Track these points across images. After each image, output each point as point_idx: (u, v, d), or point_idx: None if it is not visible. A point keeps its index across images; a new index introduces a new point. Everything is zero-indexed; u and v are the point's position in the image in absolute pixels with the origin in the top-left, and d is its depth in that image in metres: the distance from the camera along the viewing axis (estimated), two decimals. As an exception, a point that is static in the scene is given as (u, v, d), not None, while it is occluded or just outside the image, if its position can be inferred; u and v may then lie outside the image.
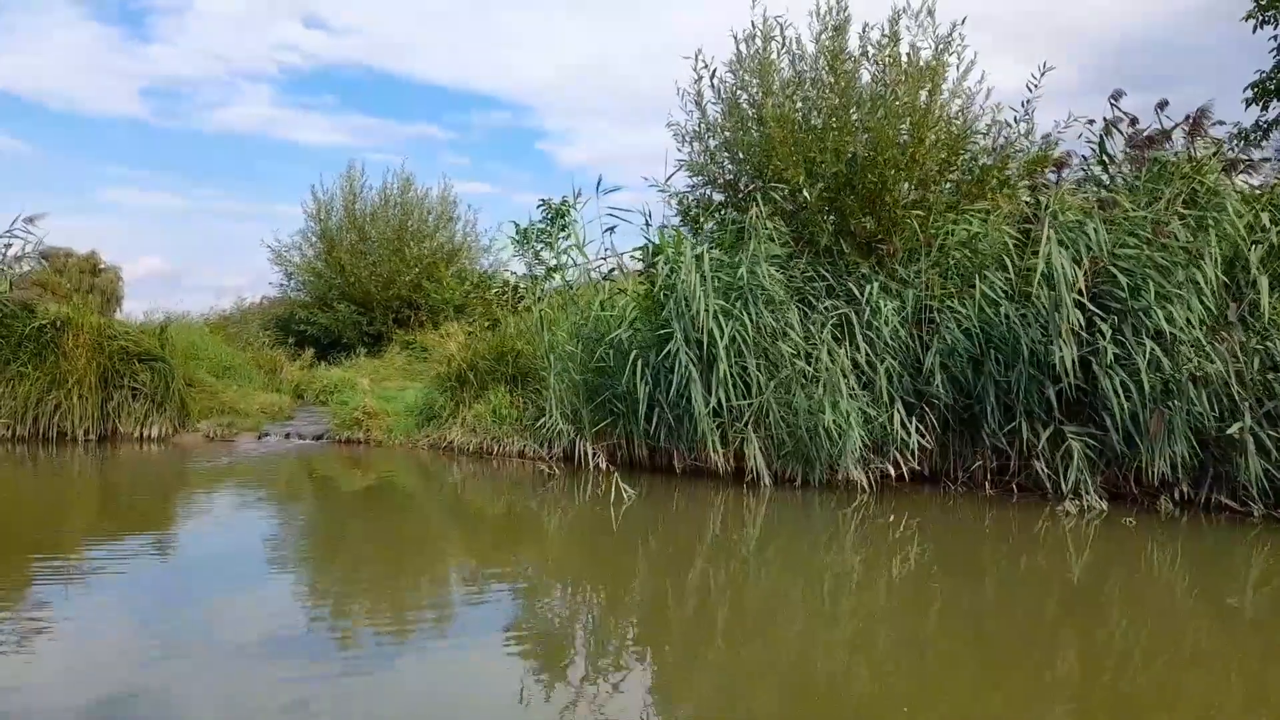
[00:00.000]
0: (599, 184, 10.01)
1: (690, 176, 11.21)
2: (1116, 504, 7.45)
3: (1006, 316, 7.82)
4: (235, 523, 7.42)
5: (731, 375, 8.38)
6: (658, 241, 9.90)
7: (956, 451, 8.41)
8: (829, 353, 8.10)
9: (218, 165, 43.53)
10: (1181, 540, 6.79)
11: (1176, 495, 7.40)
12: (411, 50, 45.13)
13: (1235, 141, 13.95)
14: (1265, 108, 14.66)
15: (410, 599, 5.23)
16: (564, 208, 14.18)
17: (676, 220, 11.40)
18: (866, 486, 8.03)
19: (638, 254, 11.14)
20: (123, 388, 11.86)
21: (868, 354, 8.23)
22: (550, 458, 9.77)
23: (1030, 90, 9.31)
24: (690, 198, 11.44)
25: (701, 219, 10.95)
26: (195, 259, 42.04)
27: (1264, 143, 14.24)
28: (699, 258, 8.55)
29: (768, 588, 5.67)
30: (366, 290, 21.52)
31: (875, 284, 8.58)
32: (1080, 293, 7.34)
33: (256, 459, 10.88)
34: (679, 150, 11.16)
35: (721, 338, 8.33)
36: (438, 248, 22.53)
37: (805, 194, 9.36)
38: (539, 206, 14.24)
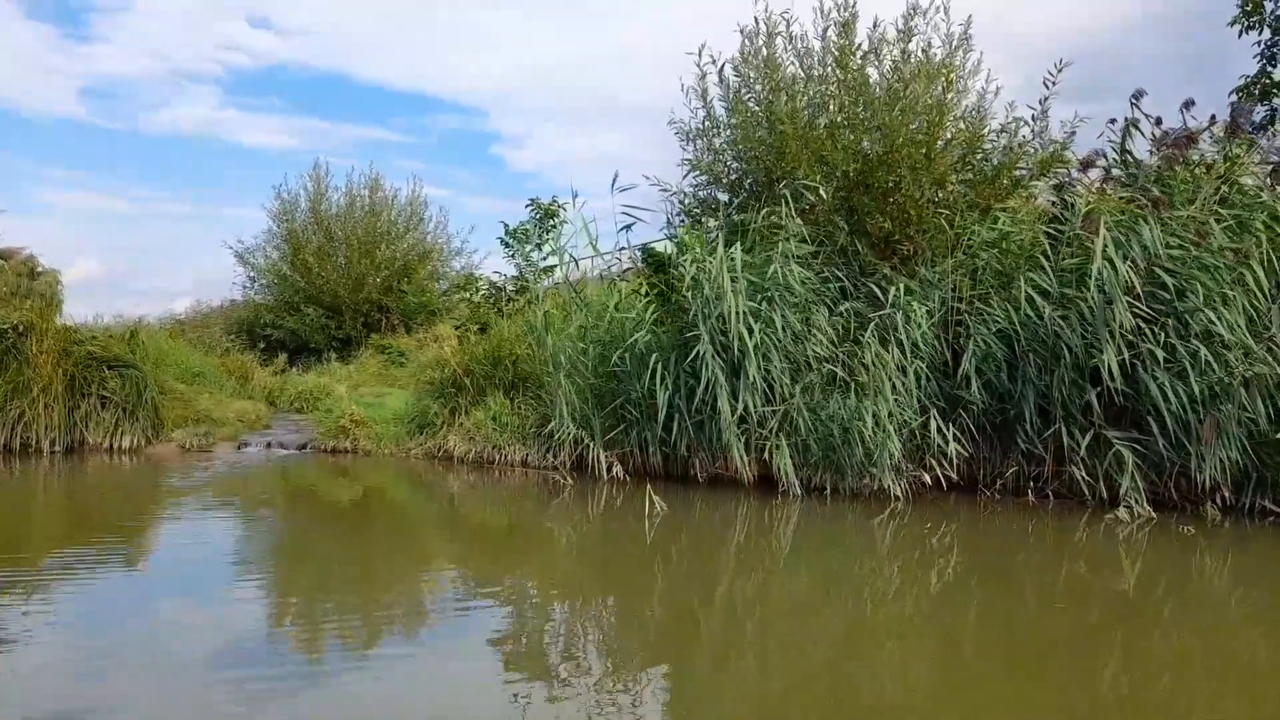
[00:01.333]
0: (614, 181, 9.61)
1: (696, 175, 10.91)
2: (1159, 511, 7.24)
3: (1046, 318, 7.58)
4: (224, 545, 6.86)
5: (760, 380, 8.04)
6: (670, 241, 9.53)
7: (986, 458, 8.16)
8: (875, 356, 7.79)
9: (160, 167, 42.17)
10: (1236, 548, 6.61)
11: (1218, 500, 7.22)
12: (361, 52, 44.21)
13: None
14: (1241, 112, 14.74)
15: (442, 625, 4.77)
16: (553, 208, 13.79)
17: (679, 220, 11.13)
18: (900, 495, 7.74)
19: (639, 253, 10.79)
20: (90, 395, 11.13)
21: (898, 357, 7.93)
22: (559, 468, 9.32)
23: (1047, 87, 9.13)
24: (692, 198, 11.14)
25: (703, 219, 10.62)
26: (135, 263, 40.67)
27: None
28: (729, 257, 8.18)
29: (834, 605, 5.30)
30: (335, 293, 20.81)
31: (900, 285, 8.29)
32: (1134, 295, 7.12)
33: (238, 471, 10.26)
34: (683, 149, 10.84)
35: (751, 339, 7.98)
36: (408, 249, 21.89)
37: (821, 193, 9.06)
38: (528, 206, 13.80)
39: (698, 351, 8.10)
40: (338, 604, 5.06)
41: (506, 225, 13.54)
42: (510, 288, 13.76)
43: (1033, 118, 9.20)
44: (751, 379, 8.03)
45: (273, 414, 13.92)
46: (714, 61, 10.10)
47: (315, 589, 5.41)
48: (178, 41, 43.03)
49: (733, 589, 5.65)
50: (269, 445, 11.61)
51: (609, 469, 8.99)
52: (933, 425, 7.71)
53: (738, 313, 8.01)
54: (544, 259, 13.81)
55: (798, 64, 10.10)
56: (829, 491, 8.01)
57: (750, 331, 8.03)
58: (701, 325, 8.25)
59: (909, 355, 8.07)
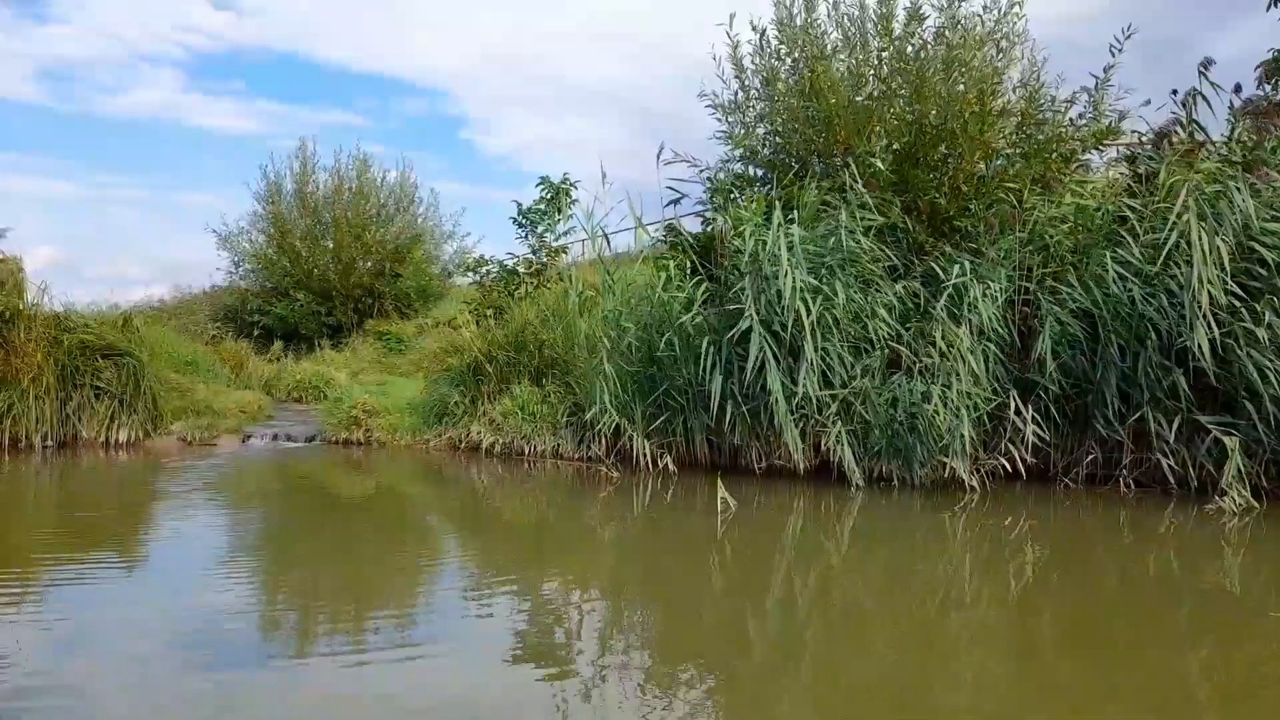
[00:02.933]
0: (660, 152, 9.05)
1: (731, 150, 10.37)
2: (1255, 500, 6.84)
3: (1131, 297, 7.14)
4: (249, 550, 6.27)
5: (820, 361, 7.54)
6: (717, 214, 8.99)
7: (1059, 445, 7.72)
8: (945, 335, 7.31)
9: (118, 152, 40.83)
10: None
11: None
12: (323, 33, 43.09)
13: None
14: (1276, 86, 14.43)
15: (539, 637, 4.23)
16: (564, 186, 13.17)
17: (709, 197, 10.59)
18: (975, 485, 7.28)
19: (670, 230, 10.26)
20: (84, 387, 10.40)
21: (967, 339, 7.46)
22: (604, 459, 8.78)
23: (1113, 55, 8.69)
24: (722, 174, 10.60)
25: (739, 194, 10.08)
26: (93, 249, 39.37)
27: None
28: (786, 229, 7.65)
29: (947, 607, 4.81)
30: (326, 278, 20.05)
31: (965, 263, 7.81)
32: (1224, 270, 6.69)
33: (246, 465, 9.64)
34: (719, 122, 10.29)
35: (809, 317, 7.47)
36: (399, 232, 21.15)
37: (877, 164, 8.55)
38: (538, 185, 13.17)
39: (748, 332, 7.57)
40: (391, 617, 4.51)
41: (519, 204, 12.89)
42: (523, 269, 13.15)
43: (1096, 87, 8.75)
44: (810, 360, 7.52)
45: (272, 404, 13.21)
46: (754, 27, 9.56)
47: (361, 598, 4.85)
48: (137, 23, 41.63)
49: (840, 590, 5.16)
50: (275, 437, 10.96)
51: (656, 460, 8.46)
52: (1010, 409, 7.23)
53: (794, 288, 7.48)
54: (557, 239, 13.23)
55: (840, 31, 9.59)
56: (895, 481, 7.54)
57: (809, 308, 7.51)
58: (752, 304, 7.73)
59: (976, 336, 7.60)
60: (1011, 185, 8.26)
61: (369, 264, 20.62)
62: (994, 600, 4.96)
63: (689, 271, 8.70)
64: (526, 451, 9.49)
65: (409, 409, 11.03)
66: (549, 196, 13.16)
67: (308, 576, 5.32)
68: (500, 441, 9.62)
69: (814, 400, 7.62)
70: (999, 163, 9.14)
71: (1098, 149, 9.24)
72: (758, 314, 7.73)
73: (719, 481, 6.65)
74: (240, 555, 5.93)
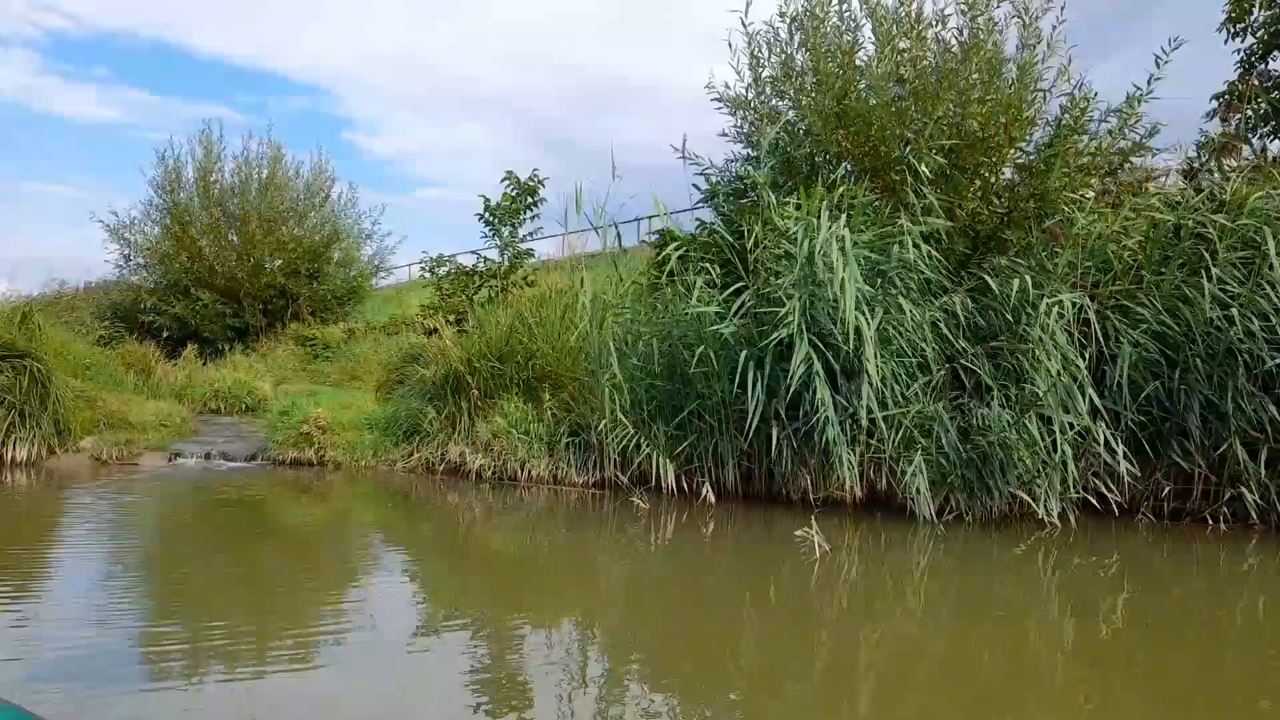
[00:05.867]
0: (684, 144, 8.13)
1: (743, 148, 9.57)
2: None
3: (1214, 320, 6.66)
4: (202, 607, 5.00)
5: (878, 381, 6.78)
6: (741, 212, 8.12)
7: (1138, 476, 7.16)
8: (1050, 353, 6.65)
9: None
10: None
11: None
12: (198, 22, 40.41)
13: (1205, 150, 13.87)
14: (1225, 120, 14.70)
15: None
16: (532, 184, 12.13)
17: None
18: (1055, 521, 6.64)
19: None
20: (-29, 394, 8.68)
21: (1058, 361, 6.81)
22: (632, 486, 7.78)
23: (1158, 66, 8.30)
24: (725, 175, 9.79)
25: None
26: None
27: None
28: (838, 232, 6.85)
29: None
30: (232, 277, 18.19)
31: (1026, 278, 7.20)
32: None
33: (180, 493, 8.14)
34: (731, 118, 9.48)
35: (871, 329, 6.69)
36: (313, 228, 19.46)
37: (922, 169, 7.89)
38: (503, 180, 12.07)
39: (790, 345, 6.76)
40: None
41: (487, 200, 11.75)
42: (484, 270, 11.99)
43: (1138, 99, 8.35)
44: (871, 379, 6.75)
45: (192, 416, 11.55)
46: (783, 14, 8.79)
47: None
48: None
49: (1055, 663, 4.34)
50: (209, 456, 9.44)
51: (683, 486, 7.52)
52: (1099, 439, 6.63)
53: (850, 299, 6.69)
54: (523, 239, 12.15)
55: (871, 27, 8.93)
56: (966, 515, 6.82)
57: (868, 321, 6.74)
58: (798, 316, 6.90)
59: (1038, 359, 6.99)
60: (1072, 197, 7.73)
61: (279, 262, 18.87)
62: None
63: (718, 281, 7.81)
64: (521, 476, 8.37)
65: (368, 425, 9.70)
66: (514, 194, 12.11)
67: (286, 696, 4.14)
68: (491, 465, 8.45)
69: (872, 424, 6.85)
70: (1010, 174, 8.71)
71: (1126, 164, 8.87)
72: (806, 326, 6.91)
73: (813, 522, 5.75)
74: (196, 656, 4.66)
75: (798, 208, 7.27)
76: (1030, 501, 6.70)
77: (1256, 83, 13.87)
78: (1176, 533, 6.77)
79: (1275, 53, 14.36)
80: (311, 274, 18.64)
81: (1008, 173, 8.93)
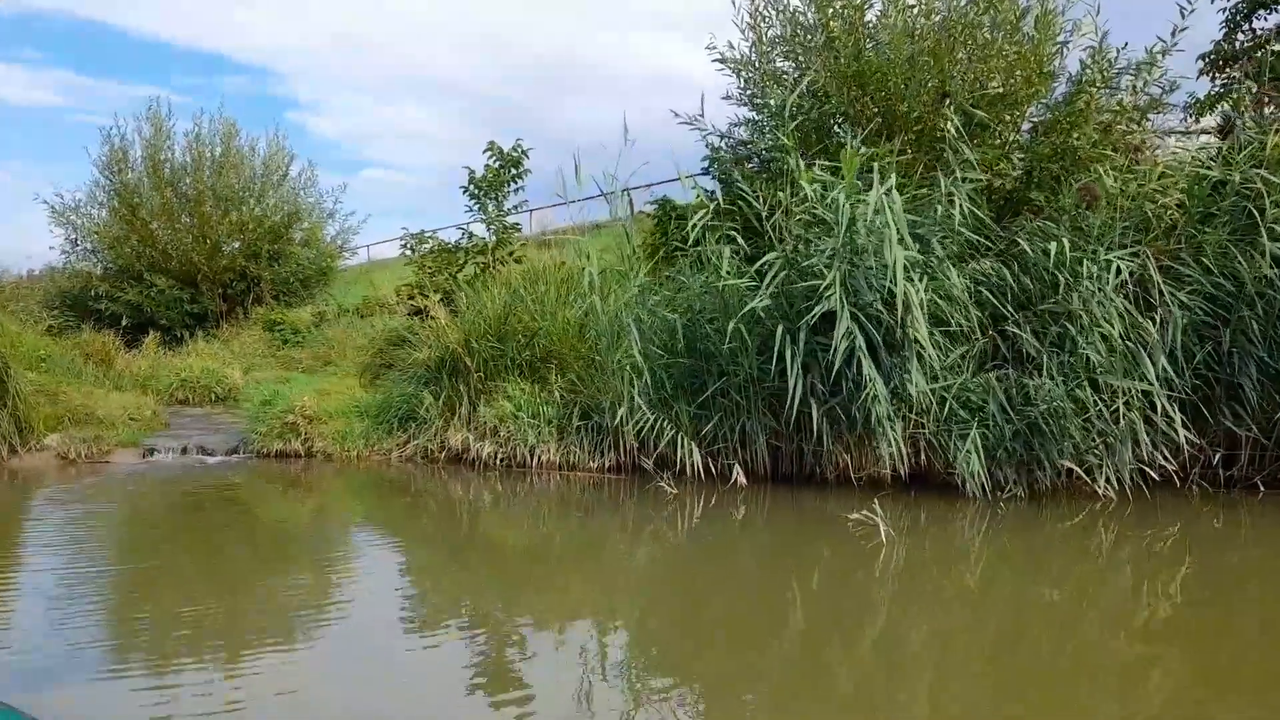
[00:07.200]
0: (701, 102, 7.63)
1: (750, 110, 9.10)
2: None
3: (1273, 278, 6.38)
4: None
5: (927, 352, 6.40)
6: (760, 177, 7.66)
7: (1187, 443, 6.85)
8: (1111, 316, 6.29)
9: None
10: None
11: None
12: (133, 2, 38.67)
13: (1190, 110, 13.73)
14: (1213, 78, 14.58)
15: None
16: (516, 155, 11.54)
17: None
18: (1110, 493, 6.33)
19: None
20: (-79, 390, 7.92)
21: (1119, 326, 6.46)
22: (657, 471, 7.32)
23: (1182, 17, 7.98)
24: (729, 140, 9.33)
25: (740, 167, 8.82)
26: None
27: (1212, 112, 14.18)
28: (886, 194, 6.42)
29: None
30: (189, 260, 17.24)
31: (1064, 241, 6.84)
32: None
33: (164, 492, 7.50)
34: (736, 78, 9.00)
35: (919, 297, 6.30)
36: (272, 208, 18.53)
37: (948, 127, 7.50)
38: (485, 152, 11.44)
39: (828, 317, 6.35)
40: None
41: (472, 172, 11.12)
42: (468, 245, 11.38)
43: (1162, 53, 8.04)
44: (920, 350, 6.37)
45: (161, 408, 10.79)
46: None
47: None
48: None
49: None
50: (185, 450, 8.77)
51: (709, 470, 7.09)
52: (1157, 407, 6.31)
53: (900, 265, 6.27)
54: (507, 213, 11.56)
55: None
56: (1015, 490, 6.47)
57: (916, 289, 6.34)
58: (840, 285, 6.47)
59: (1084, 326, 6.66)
60: (1104, 154, 7.39)
61: (238, 244, 17.95)
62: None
63: (747, 253, 7.35)
64: (530, 462, 7.86)
65: (356, 413, 9.10)
66: (497, 166, 11.50)
67: None
68: (500, 451, 7.93)
69: (914, 398, 6.46)
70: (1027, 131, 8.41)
71: (1145, 120, 8.58)
72: (846, 296, 6.49)
73: (875, 505, 5.35)
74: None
75: (834, 171, 6.80)
76: (1082, 474, 6.39)
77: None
78: (1228, 501, 6.51)
79: (1260, 11, 14.30)
80: (273, 256, 17.76)
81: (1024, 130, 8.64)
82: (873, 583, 4.80)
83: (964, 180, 6.95)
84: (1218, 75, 14.24)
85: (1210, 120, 8.08)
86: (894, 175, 6.60)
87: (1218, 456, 6.73)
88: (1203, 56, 14.69)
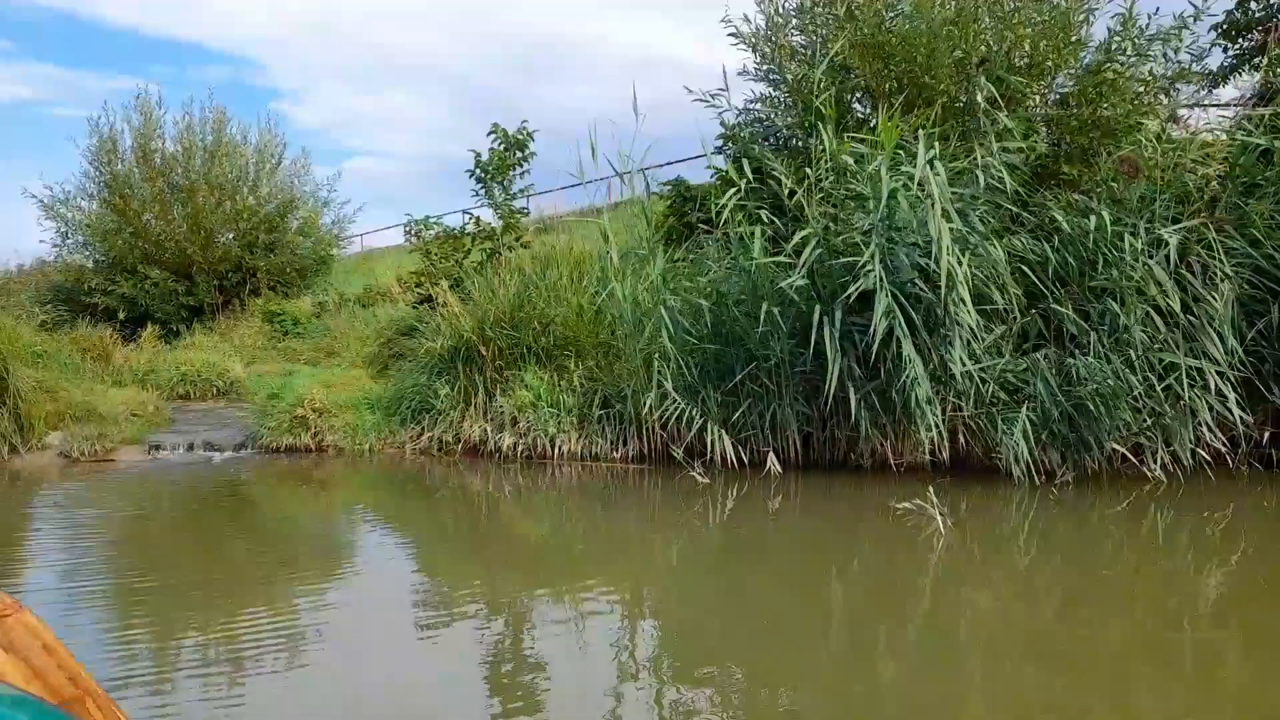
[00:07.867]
0: (724, 76, 7.35)
1: (768, 87, 8.82)
2: None
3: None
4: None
5: (972, 331, 6.16)
6: (783, 152, 7.39)
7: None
8: (1169, 293, 6.06)
9: None
10: None
11: None
12: None
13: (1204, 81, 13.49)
14: (1225, 50, 14.34)
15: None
16: (521, 137, 11.22)
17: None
18: (1161, 475, 6.11)
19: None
20: (-85, 389, 7.62)
21: (1177, 301, 6.23)
22: (689, 460, 7.07)
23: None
24: (745, 118, 9.05)
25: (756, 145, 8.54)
26: None
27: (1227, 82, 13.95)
28: (930, 165, 6.15)
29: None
30: (183, 252, 16.88)
31: (1104, 214, 6.60)
32: None
33: (175, 491, 7.23)
34: (751, 55, 8.71)
35: (962, 273, 6.05)
36: (266, 197, 18.17)
37: (977, 96, 7.25)
38: (490, 134, 11.12)
39: (867, 296, 6.11)
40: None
41: (478, 155, 10.81)
42: (475, 230, 11.08)
43: (1194, 18, 7.79)
44: (965, 330, 6.14)
45: (164, 404, 10.49)
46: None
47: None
48: None
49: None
50: (192, 447, 8.49)
51: (739, 457, 6.86)
52: (1211, 386, 6.08)
53: (947, 239, 6.01)
54: (515, 196, 11.25)
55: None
56: (1061, 474, 6.23)
57: (960, 263, 6.09)
58: (878, 261, 6.22)
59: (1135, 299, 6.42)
60: (1140, 122, 7.14)
61: (234, 234, 17.59)
62: None
63: (770, 233, 7.08)
64: (551, 453, 7.60)
65: (367, 405, 8.83)
66: (502, 149, 11.18)
67: None
68: (522, 442, 7.67)
69: (959, 380, 6.23)
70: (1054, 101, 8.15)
71: (1173, 90, 8.34)
72: (886, 274, 6.24)
73: (930, 493, 5.12)
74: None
75: (874, 144, 6.53)
76: (1130, 456, 6.17)
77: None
78: (1278, 481, 6.31)
79: (1275, -22, 14.04)
80: (269, 246, 17.41)
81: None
82: (942, 575, 4.57)
83: (1004, 150, 6.68)
84: (1231, 46, 14.04)
85: (1229, 91, 7.80)
86: (936, 146, 6.33)
87: (1266, 435, 6.52)
88: (1215, 27, 14.50)
